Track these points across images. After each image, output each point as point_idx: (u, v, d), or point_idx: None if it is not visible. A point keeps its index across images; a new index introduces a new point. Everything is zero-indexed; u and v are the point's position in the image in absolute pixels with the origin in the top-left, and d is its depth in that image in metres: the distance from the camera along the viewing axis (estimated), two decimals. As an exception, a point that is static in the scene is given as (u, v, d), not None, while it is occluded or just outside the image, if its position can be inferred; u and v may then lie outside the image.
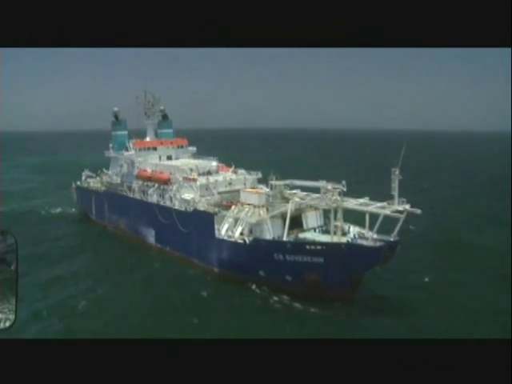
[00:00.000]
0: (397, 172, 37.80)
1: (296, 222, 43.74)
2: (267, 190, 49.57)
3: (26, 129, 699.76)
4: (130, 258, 54.78)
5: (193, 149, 67.70)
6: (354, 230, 42.38)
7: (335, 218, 39.92)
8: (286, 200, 43.58)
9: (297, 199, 42.29)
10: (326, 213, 45.68)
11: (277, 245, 40.95)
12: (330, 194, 39.29)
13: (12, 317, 6.49)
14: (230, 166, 58.76)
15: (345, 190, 39.09)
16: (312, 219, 45.51)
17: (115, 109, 70.44)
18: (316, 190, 43.97)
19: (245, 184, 52.99)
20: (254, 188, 52.17)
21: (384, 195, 41.41)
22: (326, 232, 43.85)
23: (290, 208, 41.18)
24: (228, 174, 54.77)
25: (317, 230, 44.88)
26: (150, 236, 57.31)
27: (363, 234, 40.89)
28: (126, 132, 69.72)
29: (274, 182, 43.39)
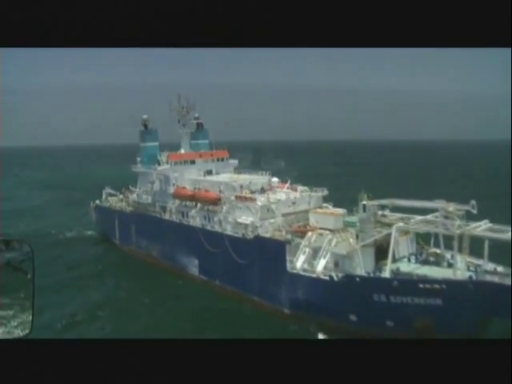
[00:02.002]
0: None
1: (384, 251, 34.54)
2: (340, 210, 41.03)
3: (34, 144, 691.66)
4: (167, 291, 45.44)
5: (234, 162, 58.03)
6: (461, 259, 33.17)
7: (460, 249, 30.37)
8: (380, 224, 34.23)
9: (401, 224, 32.77)
10: (417, 238, 37.34)
11: (379, 283, 31.73)
12: (452, 217, 29.96)
13: (29, 325, 6.38)
14: (284, 181, 49.52)
15: (475, 212, 29.66)
16: (403, 246, 36.53)
17: (144, 116, 61.02)
18: (408, 211, 35.47)
19: (309, 203, 43.80)
20: (320, 208, 43.13)
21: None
22: (425, 262, 35.27)
23: (393, 235, 31.86)
24: (288, 192, 45.43)
25: (411, 260, 35.80)
26: (193, 266, 47.60)
27: (479, 266, 31.98)
28: (157, 143, 60.28)
29: (367, 203, 33.82)
